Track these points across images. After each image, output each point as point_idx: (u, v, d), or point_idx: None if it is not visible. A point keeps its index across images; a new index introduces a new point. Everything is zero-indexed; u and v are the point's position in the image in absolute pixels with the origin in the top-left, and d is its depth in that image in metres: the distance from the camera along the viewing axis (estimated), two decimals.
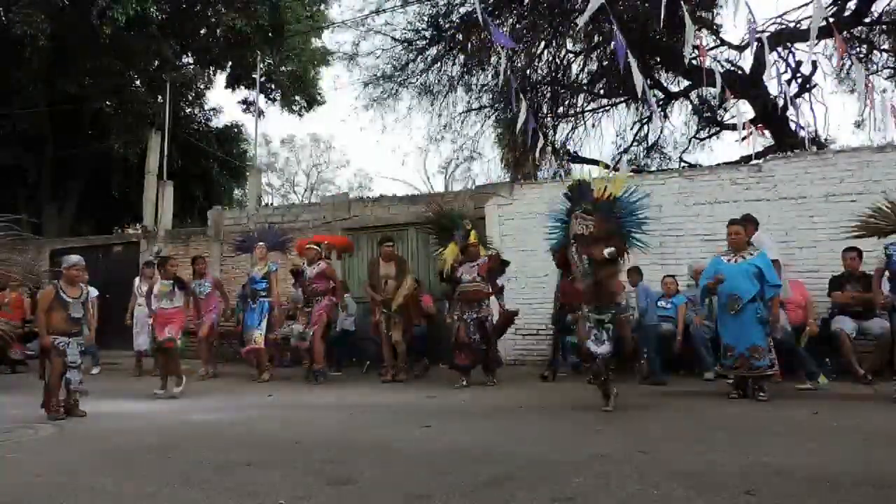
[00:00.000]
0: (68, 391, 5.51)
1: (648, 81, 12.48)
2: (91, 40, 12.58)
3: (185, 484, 3.26)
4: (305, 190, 33.78)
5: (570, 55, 14.91)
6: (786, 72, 12.69)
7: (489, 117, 15.73)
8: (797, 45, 12.73)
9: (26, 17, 11.57)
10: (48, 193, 15.57)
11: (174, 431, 4.87)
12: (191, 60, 17.04)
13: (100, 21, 11.68)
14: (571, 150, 16.23)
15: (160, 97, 14.94)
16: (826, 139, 13.19)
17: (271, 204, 21.13)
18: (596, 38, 13.32)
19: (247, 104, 18.51)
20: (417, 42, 14.82)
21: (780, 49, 12.56)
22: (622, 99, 14.75)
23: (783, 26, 12.49)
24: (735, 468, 3.36)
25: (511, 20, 13.94)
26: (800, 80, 13.18)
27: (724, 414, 5.24)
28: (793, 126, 12.62)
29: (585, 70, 15.01)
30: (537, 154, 12.08)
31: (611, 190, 5.27)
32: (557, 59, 14.79)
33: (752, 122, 12.16)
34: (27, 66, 12.77)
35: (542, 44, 14.25)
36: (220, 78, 17.88)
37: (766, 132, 12.28)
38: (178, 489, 3.18)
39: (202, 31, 15.43)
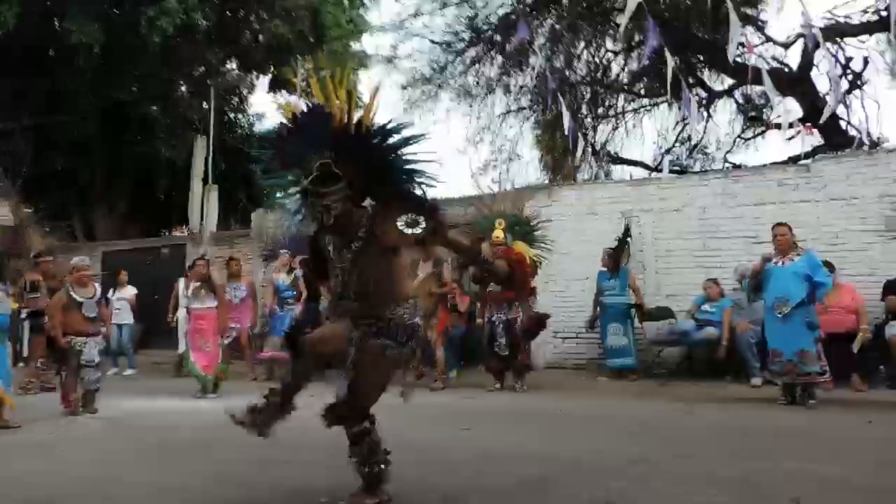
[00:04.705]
0: (85, 388, 5.65)
1: (691, 80, 12.26)
2: (139, 48, 12.96)
3: (226, 480, 3.33)
4: None
5: (611, 55, 14.73)
6: (836, 68, 12.29)
7: (528, 119, 15.65)
8: (847, 39, 12.33)
9: (79, 25, 11.99)
10: (99, 197, 16.08)
11: (215, 429, 4.95)
12: (234, 66, 17.41)
13: (149, 30, 12.02)
14: (612, 152, 16.02)
15: (205, 103, 15.30)
16: (878, 138, 12.71)
17: None
18: (636, 38, 13.12)
19: None
20: (456, 44, 14.85)
21: (829, 45, 12.18)
22: (664, 99, 14.50)
23: (832, 21, 12.11)
24: (781, 476, 3.25)
25: (550, 20, 13.85)
26: (850, 77, 12.74)
27: (771, 420, 5.09)
28: (843, 125, 12.21)
29: (626, 70, 14.82)
30: (578, 155, 11.95)
31: (359, 110, 2.77)
32: (597, 60, 14.63)
33: (799, 120, 11.81)
34: (80, 74, 13.23)
35: (582, 44, 14.12)
36: (263, 82, 18.22)
37: (815, 131, 11.91)
38: (219, 485, 3.24)
39: (245, 38, 15.75)
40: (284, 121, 2.76)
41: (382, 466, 2.79)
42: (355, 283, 2.72)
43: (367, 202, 2.81)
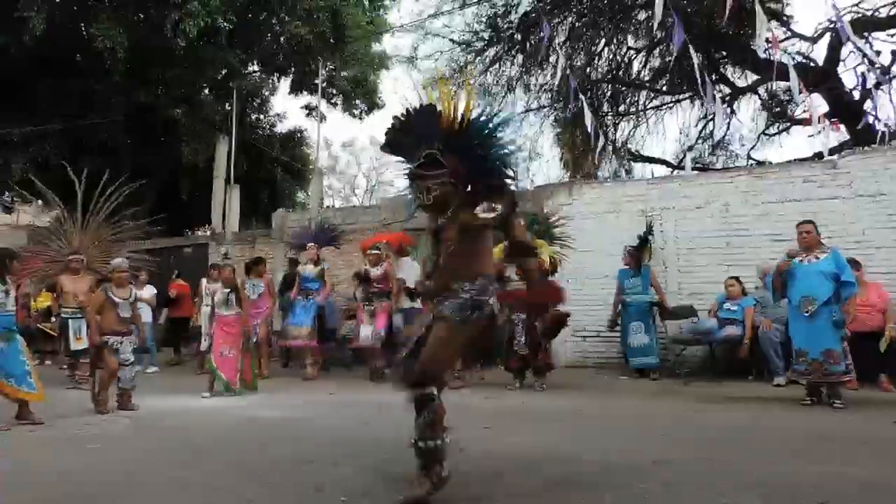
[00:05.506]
0: (119, 388, 5.78)
1: (714, 76, 12.12)
2: (164, 52, 13.15)
3: (252, 478, 3.37)
4: (365, 192, 34.30)
5: (632, 52, 14.61)
6: (862, 63, 12.08)
7: (548, 117, 15.59)
8: (875, 33, 12.10)
9: (106, 30, 12.19)
10: (124, 198, 16.34)
11: (240, 427, 5.03)
12: (256, 68, 17.56)
13: (173, 34, 12.18)
14: (633, 149, 15.89)
15: (227, 104, 15.47)
16: None
17: (333, 206, 21.54)
18: (658, 34, 13.00)
19: (309, 109, 18.94)
20: (475, 44, 14.84)
21: (856, 38, 11.96)
22: (686, 95, 14.35)
23: (860, 15, 11.89)
24: (809, 478, 3.21)
25: (570, 18, 13.77)
26: (879, 71, 12.50)
27: (797, 421, 5.02)
28: (870, 119, 11.99)
29: (647, 67, 14.69)
30: (597, 153, 11.89)
31: (463, 108, 3.06)
32: (618, 57, 14.52)
33: (825, 116, 11.62)
34: (107, 78, 13.46)
35: (603, 41, 14.02)
36: (284, 84, 18.37)
37: (841, 126, 11.71)
38: (245, 483, 3.29)
39: (267, 40, 15.89)
40: (399, 116, 3.15)
41: (438, 443, 2.87)
42: (442, 258, 3.10)
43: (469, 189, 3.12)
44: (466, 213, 2.99)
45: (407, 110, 3.13)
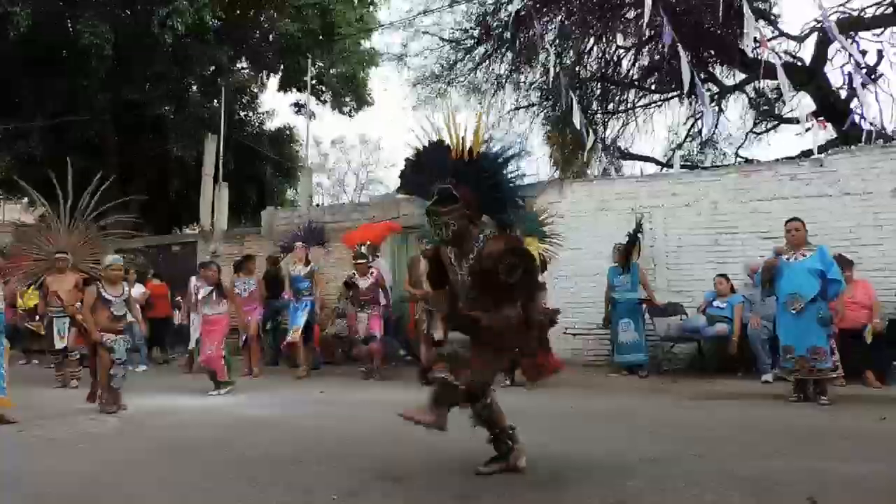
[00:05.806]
0: (113, 387, 5.68)
1: (702, 75, 12.17)
2: (152, 48, 13.04)
3: (240, 478, 3.35)
4: (355, 190, 34.18)
5: (621, 51, 14.65)
6: (848, 62, 12.17)
7: (538, 115, 15.61)
8: (861, 33, 12.20)
9: (92, 27, 12.07)
10: (112, 196, 16.19)
11: (229, 427, 5.00)
12: (245, 65, 17.46)
13: (160, 30, 12.08)
14: (622, 147, 15.95)
15: (216, 102, 15.37)
16: (894, 132, 12.56)
17: (322, 203, 21.45)
18: (647, 33, 13.05)
19: (298, 106, 18.86)
20: (465, 41, 14.83)
21: (842, 37, 12.05)
22: (674, 94, 14.42)
23: (846, 15, 11.99)
24: (796, 474, 3.24)
25: (560, 16, 13.79)
26: (864, 70, 12.61)
27: (784, 418, 5.06)
28: (856, 119, 12.11)
29: (636, 65, 14.73)
30: (587, 151, 11.91)
31: (472, 140, 3.21)
32: (607, 55, 14.55)
33: (812, 114, 11.71)
34: (93, 75, 13.33)
35: (592, 40, 14.05)
36: (273, 81, 18.29)
37: (829, 125, 11.80)
38: (234, 483, 3.27)
39: (255, 36, 15.80)
40: (410, 156, 3.34)
41: (510, 431, 3.41)
42: (470, 290, 3.25)
43: (485, 218, 3.32)
44: (490, 264, 3.12)
45: (417, 149, 3.30)
